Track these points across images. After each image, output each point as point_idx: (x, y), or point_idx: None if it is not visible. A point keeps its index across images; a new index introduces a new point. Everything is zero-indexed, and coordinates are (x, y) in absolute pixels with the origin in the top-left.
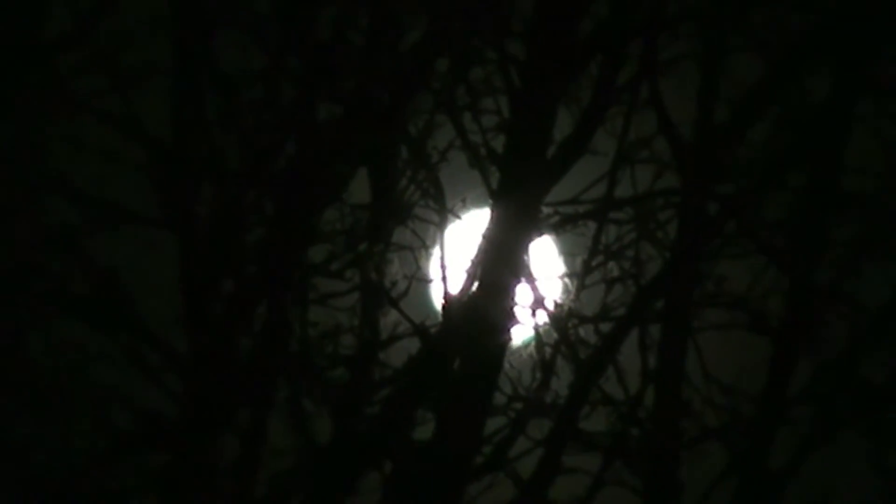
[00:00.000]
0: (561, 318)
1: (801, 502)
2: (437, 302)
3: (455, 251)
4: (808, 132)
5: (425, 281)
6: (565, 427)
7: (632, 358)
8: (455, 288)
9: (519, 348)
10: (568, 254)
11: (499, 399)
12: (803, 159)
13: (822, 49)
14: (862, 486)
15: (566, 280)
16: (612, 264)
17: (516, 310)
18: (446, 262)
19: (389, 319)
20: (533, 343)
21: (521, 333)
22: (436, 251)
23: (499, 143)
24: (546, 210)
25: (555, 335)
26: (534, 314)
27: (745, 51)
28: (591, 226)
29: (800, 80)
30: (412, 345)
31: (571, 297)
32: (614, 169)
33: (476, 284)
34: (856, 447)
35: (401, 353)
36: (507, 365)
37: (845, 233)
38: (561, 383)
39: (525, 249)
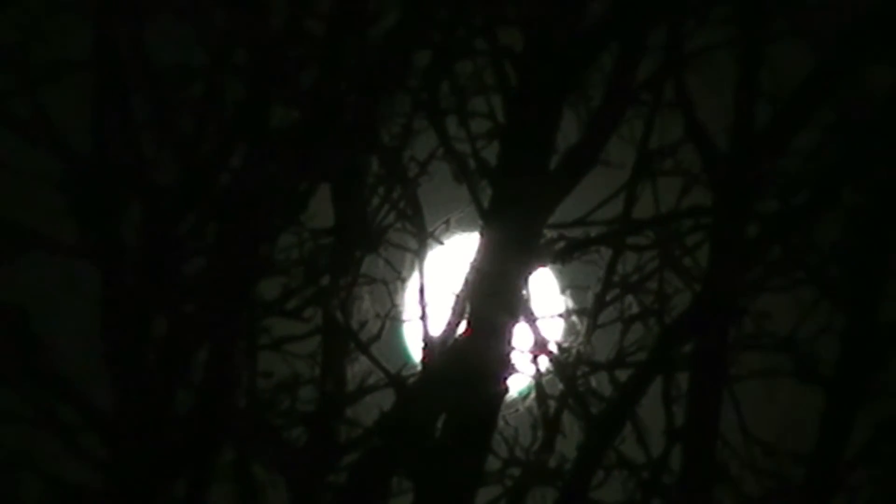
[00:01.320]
0: (568, 365)
1: None
2: (416, 346)
3: (437, 284)
4: (869, 137)
5: (401, 321)
6: (574, 497)
7: (654, 413)
8: (437, 329)
9: (516, 402)
10: (576, 287)
11: (492, 464)
12: (862, 170)
13: (884, 35)
14: None
15: (574, 319)
16: (629, 299)
17: (513, 355)
18: (426, 298)
19: (358, 368)
20: (533, 395)
21: (520, 384)
22: (414, 285)
23: (491, 152)
24: (549, 234)
25: (560, 385)
26: (534, 360)
27: (792, 38)
28: (605, 253)
29: (858, 73)
30: (386, 398)
31: (580, 339)
32: (632, 183)
33: (463, 325)
34: None
35: (372, 408)
36: (502, 422)
37: None
38: (568, 444)
39: (523, 282)
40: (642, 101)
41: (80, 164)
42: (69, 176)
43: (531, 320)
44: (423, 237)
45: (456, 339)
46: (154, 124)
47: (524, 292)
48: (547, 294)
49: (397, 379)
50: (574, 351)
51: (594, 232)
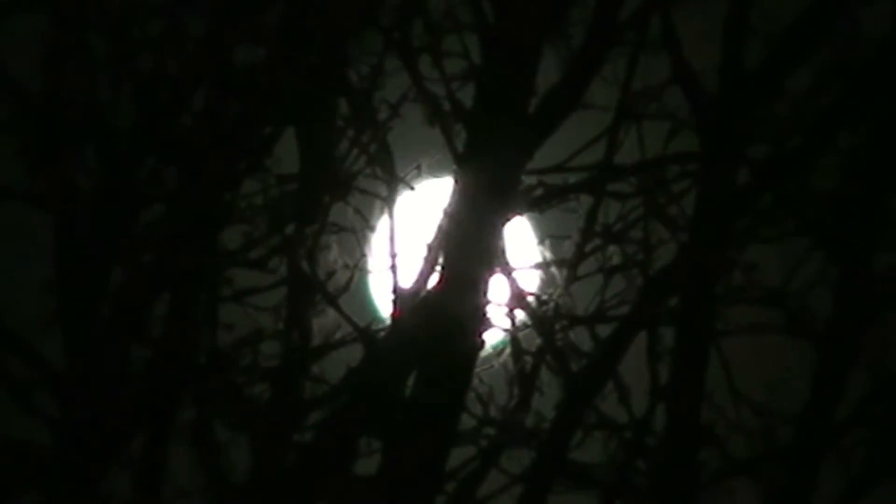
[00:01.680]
0: (546, 319)
1: None
2: (386, 299)
3: (408, 233)
4: (864, 79)
5: (370, 272)
6: (551, 458)
7: (637, 370)
8: (408, 280)
9: (491, 357)
10: (555, 236)
11: (466, 423)
12: (857, 114)
13: None
14: None
15: (552, 270)
16: (611, 249)
17: (488, 308)
18: (397, 248)
19: (325, 321)
20: (509, 350)
21: (495, 338)
22: (384, 233)
23: (466, 94)
24: (527, 180)
25: (538, 340)
26: (510, 313)
27: None
28: (586, 200)
29: (853, 11)
30: (354, 353)
31: (559, 291)
32: (615, 127)
33: (436, 276)
34: None
35: (339, 364)
36: (476, 379)
37: None
38: (546, 402)
39: (499, 231)
40: (626, 39)
41: (32, 105)
42: (19, 117)
43: (507, 271)
44: (393, 183)
45: (428, 291)
46: (111, 63)
47: (500, 242)
48: (524, 244)
49: (366, 333)
50: (552, 304)
51: (574, 178)
